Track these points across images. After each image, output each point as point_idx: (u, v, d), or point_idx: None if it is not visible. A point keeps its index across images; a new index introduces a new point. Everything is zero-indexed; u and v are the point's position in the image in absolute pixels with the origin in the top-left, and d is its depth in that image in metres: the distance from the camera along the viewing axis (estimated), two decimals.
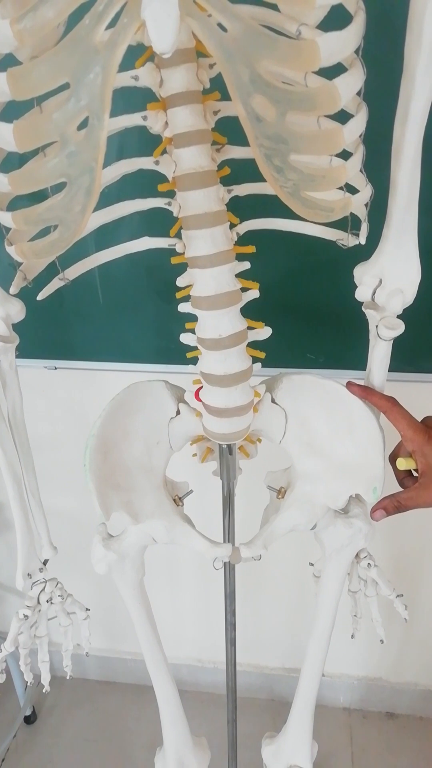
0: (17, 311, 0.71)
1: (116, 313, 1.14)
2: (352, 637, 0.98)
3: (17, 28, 0.43)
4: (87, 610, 0.94)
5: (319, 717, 1.02)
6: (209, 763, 1.02)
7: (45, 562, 0.91)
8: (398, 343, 0.71)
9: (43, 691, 0.94)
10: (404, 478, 0.66)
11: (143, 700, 1.72)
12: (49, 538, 0.90)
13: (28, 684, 0.96)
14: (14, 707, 1.70)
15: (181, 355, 0.70)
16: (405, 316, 0.68)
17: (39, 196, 0.54)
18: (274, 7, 0.51)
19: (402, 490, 0.65)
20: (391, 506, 0.65)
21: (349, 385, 0.69)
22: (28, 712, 1.69)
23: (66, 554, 0.97)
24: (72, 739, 1.66)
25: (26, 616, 0.88)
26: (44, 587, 0.89)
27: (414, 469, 0.65)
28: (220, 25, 0.45)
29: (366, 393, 0.66)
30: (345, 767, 1.55)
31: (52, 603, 0.90)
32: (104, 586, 1.00)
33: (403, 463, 0.64)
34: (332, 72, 0.49)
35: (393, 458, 0.68)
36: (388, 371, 0.74)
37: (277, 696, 1.71)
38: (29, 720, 1.70)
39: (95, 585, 1.18)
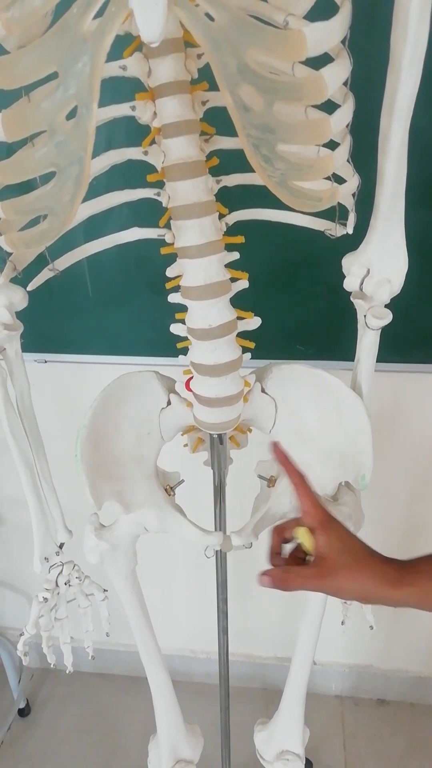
0: (20, 299, 0.71)
1: (106, 306, 1.14)
2: (342, 623, 1.00)
3: (5, 17, 0.43)
4: (105, 591, 0.94)
5: (312, 705, 1.03)
6: (202, 749, 1.04)
7: (61, 546, 0.91)
8: (386, 334, 0.72)
9: (67, 671, 0.95)
10: (275, 555, 0.60)
11: (137, 691, 1.73)
12: (63, 521, 0.91)
13: (51, 667, 0.97)
14: (8, 700, 1.71)
15: (172, 347, 0.70)
16: (393, 306, 0.69)
17: (28, 186, 0.54)
18: None
19: (298, 566, 0.58)
20: (279, 579, 0.57)
21: (274, 445, 0.64)
22: (21, 705, 1.69)
23: None
24: (66, 731, 1.66)
25: (45, 599, 0.89)
26: (62, 570, 0.90)
27: (305, 552, 0.59)
28: (207, 15, 0.45)
29: (283, 460, 0.63)
30: (337, 753, 1.57)
31: (70, 585, 0.91)
32: (97, 577, 1.00)
33: (302, 533, 0.58)
34: (319, 62, 0.50)
35: (276, 530, 0.61)
36: (377, 362, 0.75)
37: (269, 685, 1.73)
38: (23, 713, 1.70)
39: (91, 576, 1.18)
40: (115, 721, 1.69)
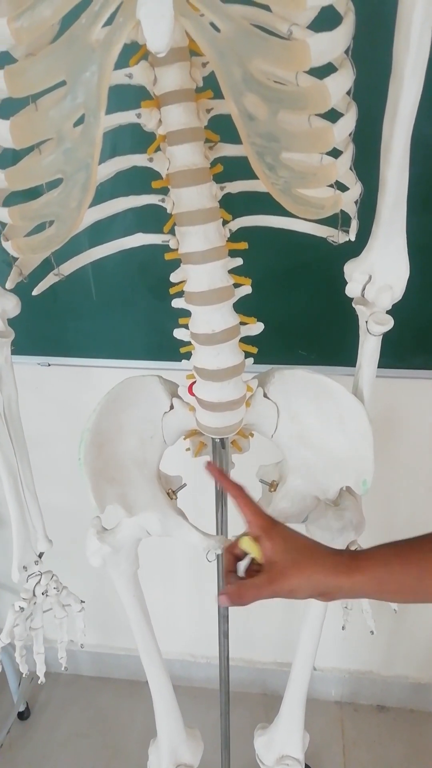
0: (13, 306, 0.72)
1: (110, 310, 1.15)
2: (343, 628, 1.00)
3: (14, 27, 0.44)
4: (82, 602, 0.95)
5: (311, 710, 1.03)
6: (202, 754, 1.04)
7: (40, 555, 0.91)
8: (387, 340, 0.72)
9: (39, 682, 0.95)
10: (229, 573, 0.59)
11: (136, 695, 1.73)
12: (44, 530, 0.91)
13: (24, 676, 0.96)
14: (7, 703, 1.70)
15: (174, 352, 0.71)
16: (394, 312, 0.70)
17: (33, 193, 0.55)
18: (266, 8, 0.52)
19: (246, 579, 0.57)
20: (234, 595, 0.55)
21: (209, 465, 0.65)
22: (21, 708, 1.69)
23: (59, 551, 0.98)
24: (65, 735, 1.66)
25: (22, 608, 0.89)
26: (40, 579, 0.90)
27: (253, 559, 0.58)
28: (213, 25, 0.46)
29: (219, 476, 0.64)
30: (337, 759, 1.57)
31: (47, 595, 0.91)
32: (97, 582, 1.00)
33: (246, 542, 0.57)
34: (322, 72, 0.50)
35: (227, 549, 0.60)
36: (378, 367, 0.75)
37: (269, 690, 1.73)
38: (23, 716, 1.70)
39: (88, 581, 1.19)
40: (114, 724, 1.69)
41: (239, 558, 0.59)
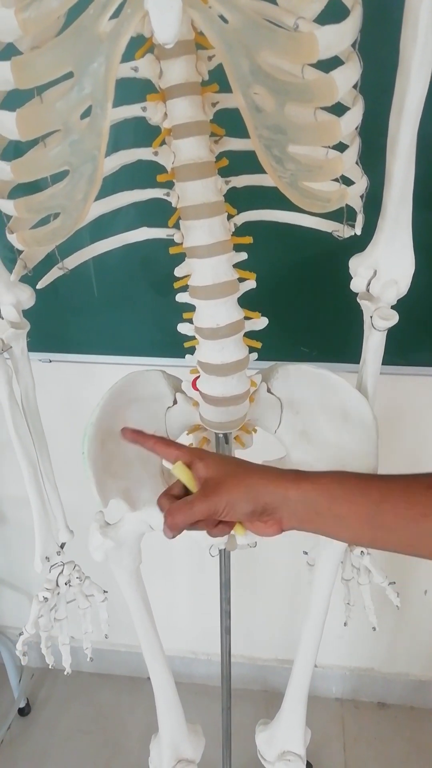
0: (27, 297, 0.72)
1: (112, 306, 1.14)
2: (345, 624, 1.00)
3: (22, 18, 0.44)
4: (105, 592, 0.94)
5: (312, 707, 1.03)
6: (204, 749, 1.04)
7: (62, 546, 0.91)
8: (391, 336, 0.72)
9: (65, 673, 0.95)
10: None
11: (137, 692, 1.73)
12: (65, 521, 0.91)
13: (50, 667, 0.97)
14: (8, 699, 1.70)
15: (177, 348, 0.71)
16: (399, 309, 0.70)
17: (36, 186, 0.54)
18: (272, 0, 0.52)
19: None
20: (168, 520, 0.49)
21: (123, 431, 0.56)
22: (22, 704, 1.69)
23: None
24: (66, 731, 1.66)
25: (46, 599, 0.89)
26: (62, 570, 0.90)
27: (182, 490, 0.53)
28: (221, 17, 0.45)
29: (135, 436, 0.56)
30: (337, 756, 1.57)
31: (70, 586, 0.91)
32: (99, 578, 1.00)
33: (180, 468, 0.51)
34: (329, 65, 0.50)
35: (165, 494, 0.53)
36: (382, 364, 0.75)
37: (270, 687, 1.73)
38: (23, 712, 1.70)
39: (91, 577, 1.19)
40: (115, 721, 1.69)
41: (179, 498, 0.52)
